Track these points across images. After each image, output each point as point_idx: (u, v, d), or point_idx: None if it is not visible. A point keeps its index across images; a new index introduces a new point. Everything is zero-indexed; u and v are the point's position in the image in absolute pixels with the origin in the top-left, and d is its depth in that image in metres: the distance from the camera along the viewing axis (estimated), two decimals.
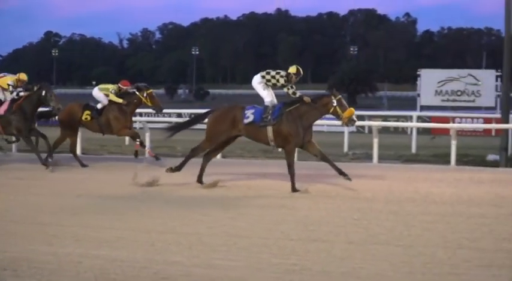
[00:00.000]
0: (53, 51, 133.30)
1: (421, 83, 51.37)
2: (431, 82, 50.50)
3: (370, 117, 37.63)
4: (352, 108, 15.01)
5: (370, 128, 26.16)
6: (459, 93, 50.82)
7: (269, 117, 14.89)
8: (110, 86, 19.47)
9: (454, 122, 22.28)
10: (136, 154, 19.20)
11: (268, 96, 15.24)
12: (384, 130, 23.73)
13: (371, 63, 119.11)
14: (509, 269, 8.44)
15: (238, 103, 16.68)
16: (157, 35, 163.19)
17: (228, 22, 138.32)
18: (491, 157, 23.17)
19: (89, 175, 17.19)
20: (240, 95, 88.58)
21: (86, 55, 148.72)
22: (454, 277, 8.06)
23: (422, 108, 51.13)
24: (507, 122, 23.48)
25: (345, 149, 24.18)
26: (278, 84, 15.25)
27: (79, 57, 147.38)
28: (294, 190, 14.44)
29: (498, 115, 32.70)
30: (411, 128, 32.38)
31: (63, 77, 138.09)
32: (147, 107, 20.19)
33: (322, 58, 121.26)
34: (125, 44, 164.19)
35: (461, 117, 40.61)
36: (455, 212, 12.17)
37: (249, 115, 15.08)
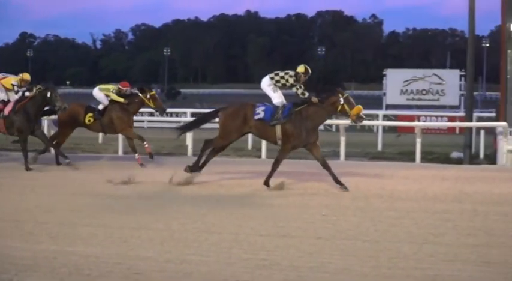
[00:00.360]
0: (28, 51, 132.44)
1: (387, 83, 51.68)
2: (397, 82, 50.79)
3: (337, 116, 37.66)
4: (359, 106, 14.97)
5: (337, 126, 26.20)
6: (424, 92, 51.14)
7: (279, 116, 14.86)
8: (111, 87, 19.26)
9: (419, 121, 22.33)
10: (151, 155, 18.69)
11: (277, 98, 15.18)
12: (350, 128, 23.72)
13: (338, 63, 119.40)
14: (473, 263, 8.50)
15: (248, 101, 16.58)
16: (130, 36, 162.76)
17: (199, 23, 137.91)
18: (455, 155, 23.33)
19: (63, 173, 17.13)
20: (210, 95, 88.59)
21: (60, 56, 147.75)
22: (419, 271, 8.09)
23: (388, 107, 51.34)
24: (471, 120, 23.67)
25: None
26: (287, 84, 15.21)
27: (53, 58, 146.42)
28: (266, 183, 14.49)
29: (462, 114, 33.03)
30: (377, 127, 32.52)
31: (38, 77, 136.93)
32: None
33: (291, 59, 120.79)
34: (98, 44, 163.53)
35: (426, 116, 40.85)
36: (420, 208, 12.24)
37: (260, 112, 15.04)
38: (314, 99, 14.96)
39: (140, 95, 19.04)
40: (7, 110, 17.96)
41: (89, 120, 18.82)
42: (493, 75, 47.30)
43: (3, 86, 18.63)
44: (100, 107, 18.88)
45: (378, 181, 15.67)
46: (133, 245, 9.29)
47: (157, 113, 20.44)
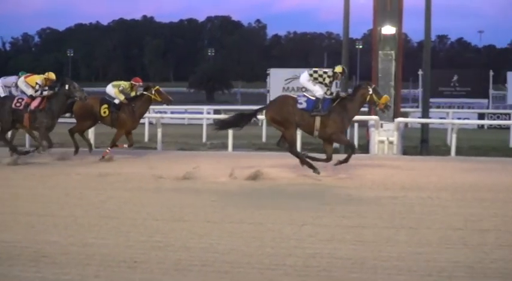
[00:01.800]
0: None
1: (270, 81, 51.88)
2: (279, 80, 51.00)
3: (226, 111, 37.73)
4: (387, 96, 15.23)
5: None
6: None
7: (320, 108, 14.80)
8: (123, 83, 18.69)
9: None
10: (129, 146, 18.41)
11: (319, 91, 15.08)
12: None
13: (226, 63, 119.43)
14: (349, 242, 8.61)
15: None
16: (36, 39, 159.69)
17: (99, 27, 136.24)
18: None
19: None
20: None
21: None
22: (300, 250, 8.16)
23: None
24: None
25: (204, 139, 24.18)
26: (323, 82, 15.15)
27: None
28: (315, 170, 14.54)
29: None
30: (262, 120, 32.63)
31: None
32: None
33: (183, 59, 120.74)
34: (8, 47, 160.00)
35: None
36: (297, 195, 12.33)
37: (302, 102, 14.95)
38: (342, 94, 15.17)
39: (146, 93, 18.43)
40: (33, 105, 17.20)
41: (104, 112, 18.08)
42: (366, 74, 48.00)
43: (28, 83, 17.99)
44: (116, 101, 18.20)
45: (262, 169, 15.69)
46: (40, 230, 9.17)
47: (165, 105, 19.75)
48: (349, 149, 15.36)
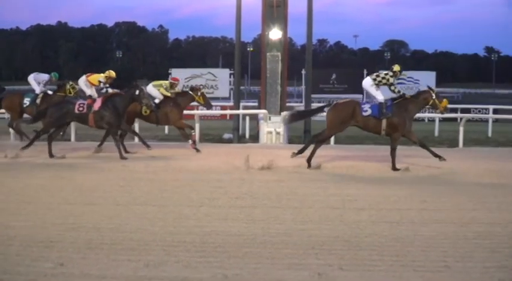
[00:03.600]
0: None
1: None
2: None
3: None
4: (446, 99, 15.08)
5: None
6: (201, 86, 51.42)
7: (385, 111, 14.57)
8: (163, 82, 18.14)
9: (197, 110, 22.46)
10: (194, 142, 17.77)
11: (380, 95, 14.85)
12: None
13: (133, 64, 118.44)
14: (242, 221, 8.66)
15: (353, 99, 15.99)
16: None
17: (19, 31, 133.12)
18: (226, 136, 23.61)
19: None
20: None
21: None
22: (198, 228, 8.18)
23: None
24: (238, 108, 24.07)
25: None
26: (388, 83, 14.98)
27: None
28: (394, 168, 14.18)
29: (231, 103, 33.51)
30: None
31: None
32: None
33: (94, 60, 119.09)
34: None
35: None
36: (198, 179, 12.33)
37: (367, 109, 14.63)
38: (408, 95, 14.96)
39: (191, 92, 17.95)
40: (97, 105, 16.16)
41: (145, 112, 17.32)
42: (256, 73, 48.40)
43: (90, 82, 17.39)
44: (156, 101, 17.45)
45: (164, 158, 15.66)
46: None
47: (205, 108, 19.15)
48: (417, 143, 15.06)
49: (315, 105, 22.65)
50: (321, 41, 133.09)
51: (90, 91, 17.37)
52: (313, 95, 26.71)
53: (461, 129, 21.42)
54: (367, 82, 15.21)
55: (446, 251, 7.26)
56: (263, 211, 9.35)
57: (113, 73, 17.84)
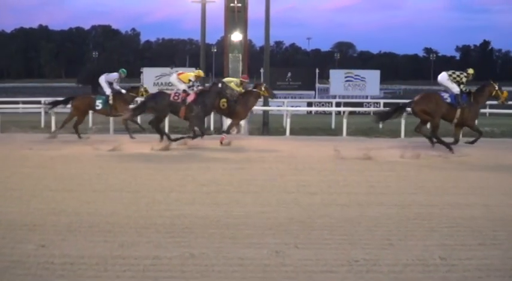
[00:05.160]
0: None
1: (144, 78, 51.15)
2: (151, 77, 50.40)
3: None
4: (506, 91, 15.51)
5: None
6: (170, 84, 51.05)
7: (461, 101, 14.91)
8: (234, 79, 17.95)
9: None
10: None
11: (456, 87, 15.07)
12: None
13: (107, 64, 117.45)
14: (207, 205, 8.65)
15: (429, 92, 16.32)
16: None
17: (4, 34, 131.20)
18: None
19: None
20: (13, 87, 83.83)
21: None
22: (169, 212, 8.15)
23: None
24: None
25: (90, 124, 23.55)
26: (460, 81, 15.15)
27: None
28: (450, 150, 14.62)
29: None
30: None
31: None
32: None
33: (73, 60, 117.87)
34: None
35: None
36: (167, 168, 12.27)
37: (447, 97, 14.99)
38: (472, 89, 15.31)
39: (255, 90, 17.62)
40: (190, 99, 16.12)
41: (223, 105, 16.98)
42: (219, 72, 48.17)
43: (181, 79, 16.87)
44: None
45: (135, 146, 15.53)
46: None
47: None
48: (478, 133, 15.50)
49: (272, 100, 22.77)
50: (277, 43, 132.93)
51: (183, 86, 16.85)
52: None
53: (288, 120, 21.69)
54: (444, 77, 15.50)
55: (390, 231, 7.31)
56: (226, 195, 9.34)
57: (201, 73, 17.80)
